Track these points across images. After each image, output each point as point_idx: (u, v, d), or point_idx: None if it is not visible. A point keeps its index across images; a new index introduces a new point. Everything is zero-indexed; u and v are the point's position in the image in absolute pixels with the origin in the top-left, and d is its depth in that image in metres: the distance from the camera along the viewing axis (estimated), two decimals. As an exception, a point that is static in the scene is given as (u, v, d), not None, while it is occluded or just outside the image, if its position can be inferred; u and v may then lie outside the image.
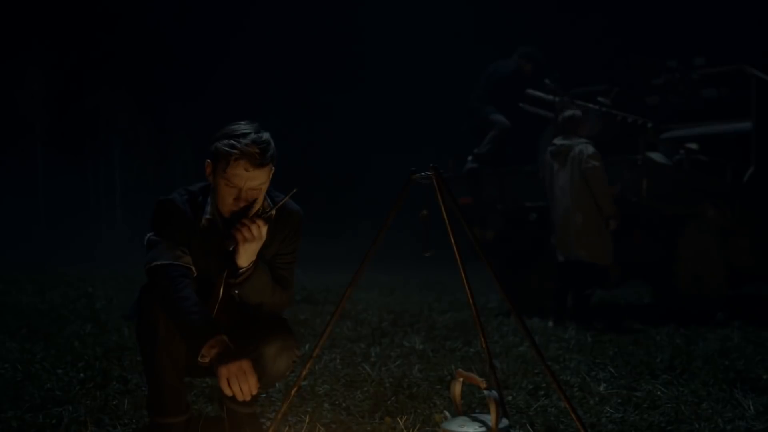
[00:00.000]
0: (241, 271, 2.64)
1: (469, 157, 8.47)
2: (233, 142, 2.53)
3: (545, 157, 7.23)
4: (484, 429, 2.33)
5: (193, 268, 2.62)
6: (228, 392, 2.40)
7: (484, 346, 2.59)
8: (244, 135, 2.55)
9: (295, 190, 2.69)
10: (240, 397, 2.41)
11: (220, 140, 2.57)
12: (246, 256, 2.62)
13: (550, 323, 6.90)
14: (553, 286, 7.25)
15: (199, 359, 2.43)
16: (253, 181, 2.57)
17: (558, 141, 7.12)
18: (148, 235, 2.66)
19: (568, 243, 6.93)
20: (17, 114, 24.44)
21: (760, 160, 8.06)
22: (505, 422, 2.38)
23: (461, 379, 2.58)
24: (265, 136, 2.59)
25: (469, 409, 3.52)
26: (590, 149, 6.89)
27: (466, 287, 2.63)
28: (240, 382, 2.39)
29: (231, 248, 2.60)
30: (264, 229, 2.60)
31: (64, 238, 22.21)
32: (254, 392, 2.44)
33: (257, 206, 2.64)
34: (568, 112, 7.18)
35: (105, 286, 9.72)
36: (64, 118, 25.16)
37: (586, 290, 7.03)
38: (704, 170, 8.14)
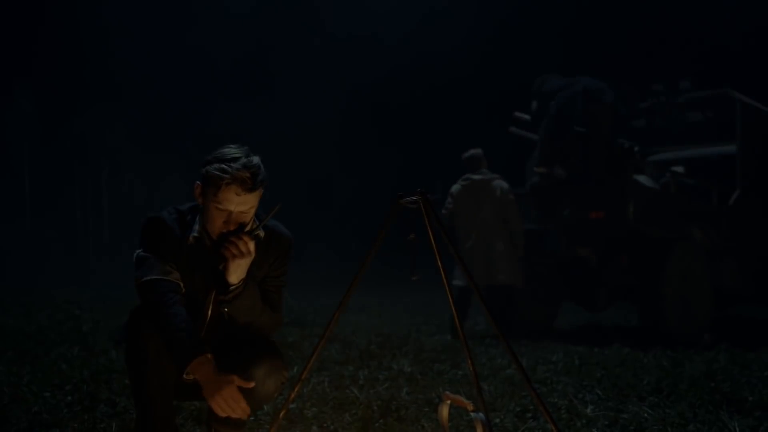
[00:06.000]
0: (231, 288, 2.65)
1: (535, 178, 8.12)
2: (224, 166, 2.54)
3: (455, 191, 7.72)
4: (471, 451, 2.35)
5: (182, 284, 2.63)
6: (221, 414, 2.43)
7: (471, 368, 2.61)
8: (235, 159, 2.56)
9: (279, 206, 2.70)
10: (233, 415, 2.43)
11: (210, 164, 2.58)
12: (236, 273, 2.62)
13: (449, 337, 7.45)
14: (454, 308, 7.52)
15: (184, 376, 2.44)
16: (243, 205, 2.59)
17: (472, 176, 7.65)
18: (137, 251, 2.66)
19: (489, 270, 7.46)
20: (5, 135, 24.40)
21: (746, 182, 8.13)
22: (492, 445, 2.40)
23: (449, 402, 2.60)
24: (256, 160, 2.60)
25: (457, 431, 3.53)
26: (506, 184, 7.55)
27: (453, 310, 2.65)
28: (230, 408, 2.42)
29: (221, 266, 2.62)
30: (251, 245, 2.61)
31: (51, 260, 22.10)
32: (246, 414, 2.47)
33: (246, 228, 2.66)
34: (469, 153, 7.75)
35: (92, 308, 9.68)
36: (51, 140, 25.11)
37: (508, 309, 7.70)
38: (690, 193, 8.21)
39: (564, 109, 7.75)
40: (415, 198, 2.60)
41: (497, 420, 3.75)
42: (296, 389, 2.74)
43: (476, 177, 7.64)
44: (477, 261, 7.48)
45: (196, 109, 25.70)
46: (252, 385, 2.53)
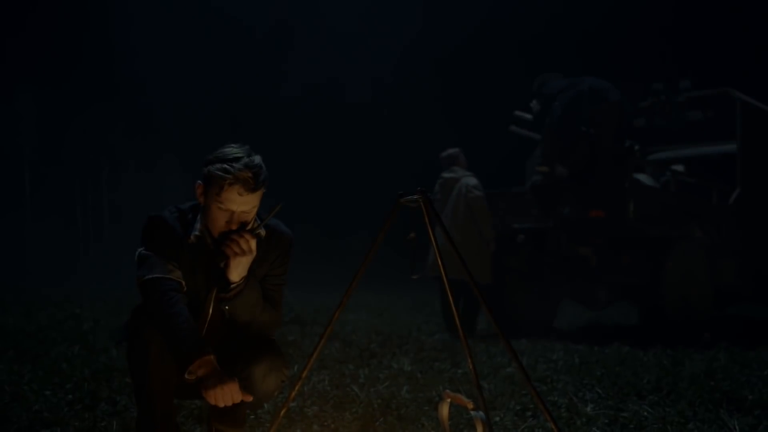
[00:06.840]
0: (232, 286, 2.65)
1: (536, 177, 8.09)
2: (227, 166, 2.54)
3: (434, 192, 7.80)
4: (471, 450, 2.35)
5: (183, 283, 2.63)
6: (212, 402, 2.44)
7: (471, 367, 2.61)
8: (237, 159, 2.56)
9: (280, 205, 2.70)
10: (228, 403, 2.45)
11: (212, 164, 2.58)
12: (237, 271, 2.63)
13: (447, 335, 7.59)
14: (453, 306, 7.61)
15: (186, 375, 2.45)
16: (245, 205, 2.58)
17: (444, 174, 7.79)
18: (139, 249, 2.66)
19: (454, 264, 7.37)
20: (4, 134, 24.42)
21: (746, 181, 8.13)
22: (492, 443, 2.40)
23: (449, 400, 2.60)
24: (257, 159, 2.60)
25: (457, 430, 3.54)
26: (473, 181, 7.61)
27: (453, 309, 2.65)
28: (226, 403, 2.43)
29: (222, 264, 2.62)
30: (253, 243, 2.61)
31: (51, 259, 22.11)
32: (246, 399, 2.49)
33: (248, 227, 2.66)
34: (446, 152, 7.91)
35: (92, 307, 9.68)
36: (51, 140, 25.13)
37: (473, 306, 7.60)
38: (691, 192, 8.21)
39: (570, 109, 7.73)
40: (415, 197, 2.60)
41: (497, 418, 3.76)
42: (297, 388, 2.75)
43: (447, 175, 7.78)
44: (445, 256, 7.40)
45: (195, 109, 25.71)
46: (250, 398, 2.55)
